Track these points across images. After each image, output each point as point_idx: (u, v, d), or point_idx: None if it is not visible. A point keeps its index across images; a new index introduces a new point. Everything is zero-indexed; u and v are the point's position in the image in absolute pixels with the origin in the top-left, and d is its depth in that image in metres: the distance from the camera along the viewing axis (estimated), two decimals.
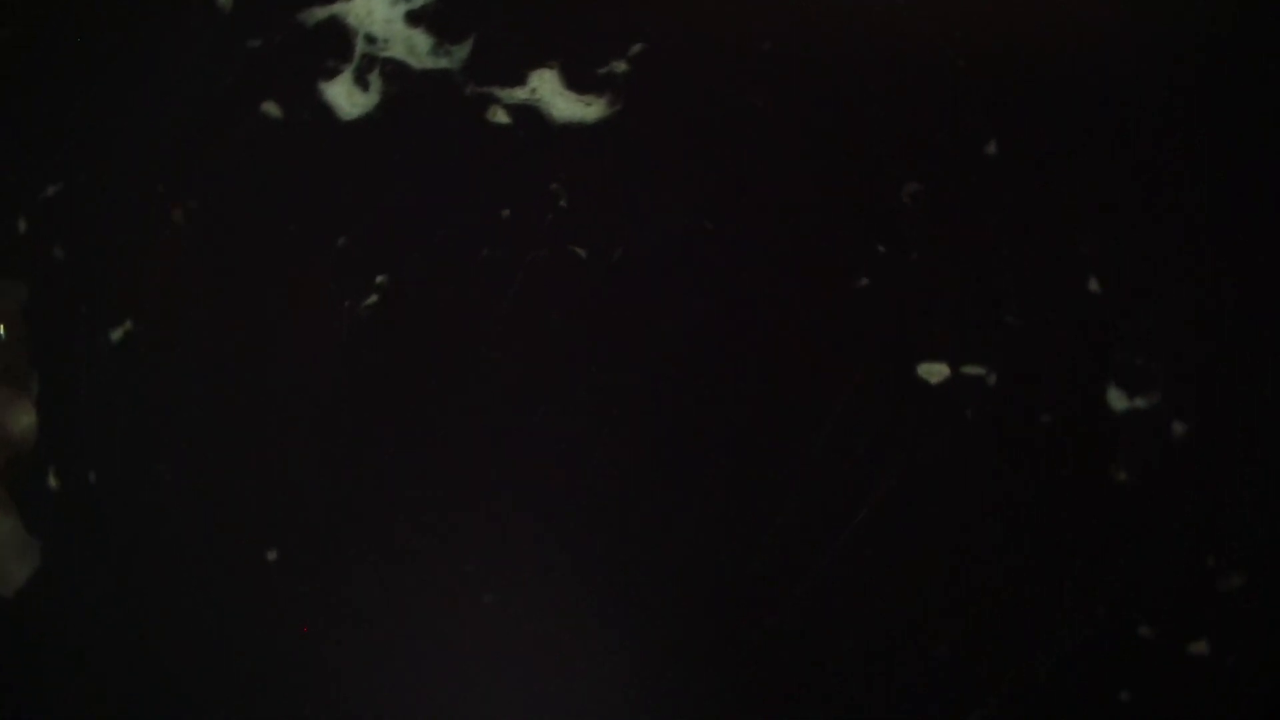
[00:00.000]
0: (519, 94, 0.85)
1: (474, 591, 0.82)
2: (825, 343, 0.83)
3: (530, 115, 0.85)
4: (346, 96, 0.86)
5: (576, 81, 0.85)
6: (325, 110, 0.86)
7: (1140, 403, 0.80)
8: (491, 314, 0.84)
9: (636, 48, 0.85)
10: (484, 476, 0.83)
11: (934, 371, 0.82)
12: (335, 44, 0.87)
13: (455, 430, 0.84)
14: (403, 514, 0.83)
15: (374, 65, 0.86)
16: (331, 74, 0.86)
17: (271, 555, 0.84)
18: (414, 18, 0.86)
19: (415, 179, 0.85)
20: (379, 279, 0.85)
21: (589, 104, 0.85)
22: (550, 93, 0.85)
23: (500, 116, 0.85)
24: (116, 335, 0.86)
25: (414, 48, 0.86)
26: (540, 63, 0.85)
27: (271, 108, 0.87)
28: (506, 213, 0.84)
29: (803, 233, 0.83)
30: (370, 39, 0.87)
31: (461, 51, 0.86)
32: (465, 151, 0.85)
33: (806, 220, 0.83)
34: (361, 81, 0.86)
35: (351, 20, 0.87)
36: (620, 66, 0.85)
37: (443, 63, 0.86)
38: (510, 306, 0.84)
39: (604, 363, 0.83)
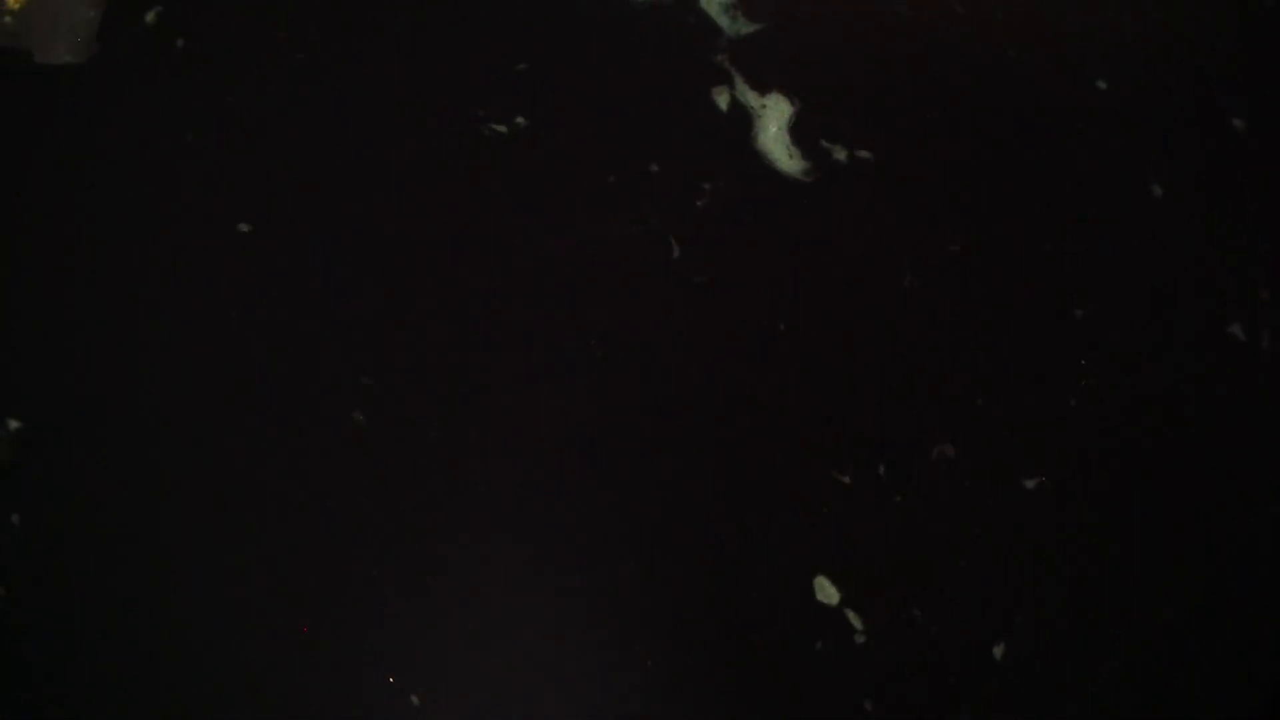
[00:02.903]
0: (751, 97, 0.85)
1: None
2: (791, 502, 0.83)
3: (741, 119, 0.85)
4: None
5: (800, 132, 0.85)
6: None
7: None
8: (565, 237, 0.84)
9: (864, 152, 0.85)
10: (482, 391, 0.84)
11: (827, 591, 0.81)
12: None
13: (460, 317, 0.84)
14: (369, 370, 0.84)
15: None
16: None
17: (244, 228, 0.84)
18: None
19: (608, 87, 0.85)
20: (519, 119, 0.85)
21: (790, 156, 0.85)
22: (772, 120, 0.85)
23: (720, 100, 0.85)
24: None
25: None
26: (791, 91, 0.85)
27: None
28: (655, 168, 0.84)
29: (860, 410, 0.83)
30: None
31: (744, 28, 0.86)
32: (667, 101, 0.85)
33: (870, 400, 0.83)
34: None
35: None
36: (840, 153, 0.85)
37: (722, 20, 0.86)
38: (580, 235, 0.84)
39: (607, 348, 0.84)
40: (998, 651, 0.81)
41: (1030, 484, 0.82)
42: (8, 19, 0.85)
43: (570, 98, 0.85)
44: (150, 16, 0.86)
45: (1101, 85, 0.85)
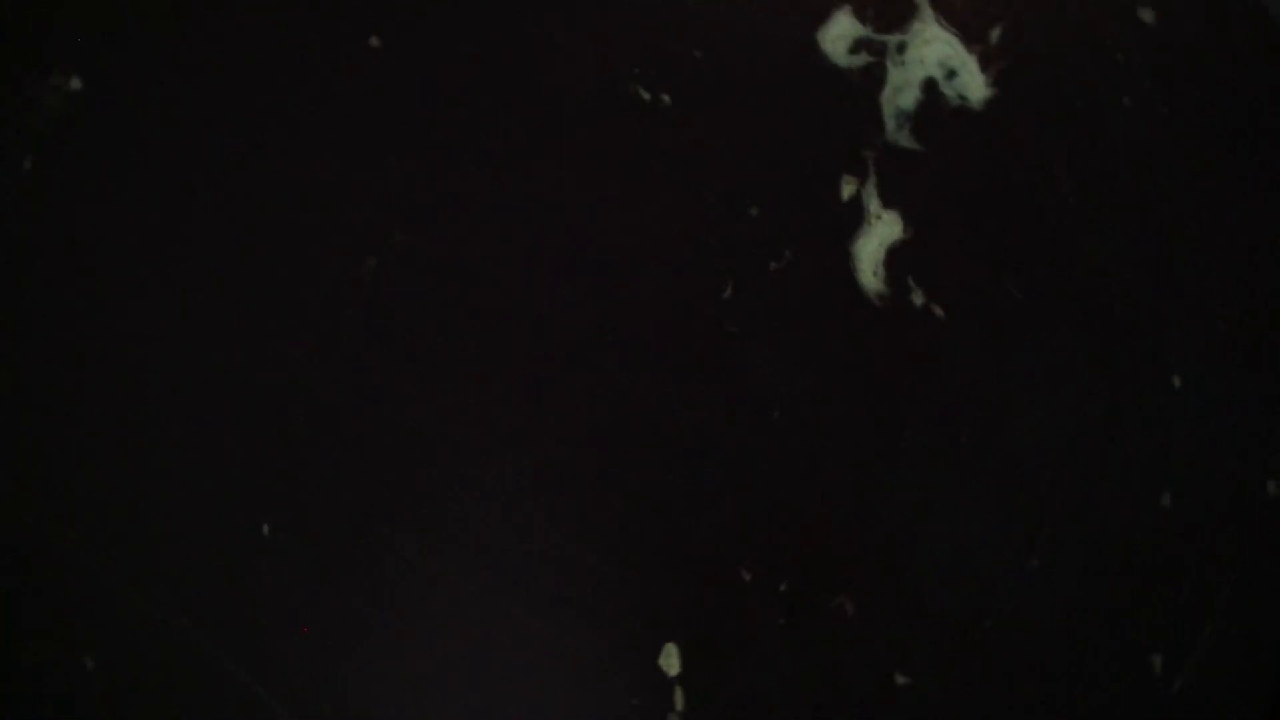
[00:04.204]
0: (873, 203, 0.84)
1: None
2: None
3: (853, 216, 0.84)
4: (839, 40, 0.85)
5: (896, 258, 0.84)
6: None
7: None
8: (635, 225, 0.84)
9: (939, 309, 0.84)
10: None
11: (671, 660, 0.82)
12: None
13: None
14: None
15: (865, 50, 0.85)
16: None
17: (375, 42, 0.84)
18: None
19: (757, 118, 0.85)
20: (664, 96, 0.84)
21: (874, 274, 0.84)
22: (878, 234, 0.84)
23: (845, 189, 0.84)
24: None
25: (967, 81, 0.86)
26: (910, 219, 0.84)
27: None
28: (754, 212, 0.84)
29: (793, 526, 0.83)
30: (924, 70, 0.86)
31: (903, 140, 0.85)
32: (799, 162, 0.85)
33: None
34: (860, 15, 0.85)
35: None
36: (919, 298, 0.84)
37: (890, 123, 0.85)
38: (650, 231, 0.84)
39: (612, 346, 0.84)
40: None
41: (900, 680, 0.82)
42: None
43: (720, 107, 0.85)
44: None
45: (1176, 382, 0.84)
